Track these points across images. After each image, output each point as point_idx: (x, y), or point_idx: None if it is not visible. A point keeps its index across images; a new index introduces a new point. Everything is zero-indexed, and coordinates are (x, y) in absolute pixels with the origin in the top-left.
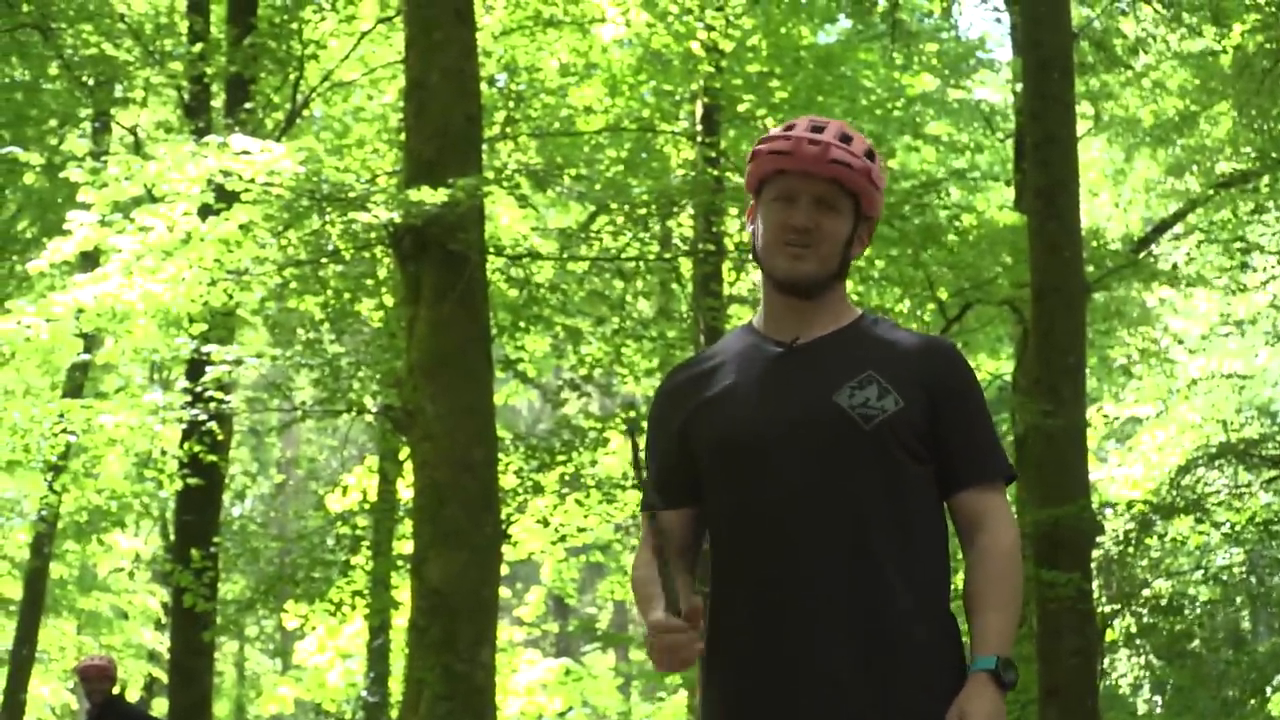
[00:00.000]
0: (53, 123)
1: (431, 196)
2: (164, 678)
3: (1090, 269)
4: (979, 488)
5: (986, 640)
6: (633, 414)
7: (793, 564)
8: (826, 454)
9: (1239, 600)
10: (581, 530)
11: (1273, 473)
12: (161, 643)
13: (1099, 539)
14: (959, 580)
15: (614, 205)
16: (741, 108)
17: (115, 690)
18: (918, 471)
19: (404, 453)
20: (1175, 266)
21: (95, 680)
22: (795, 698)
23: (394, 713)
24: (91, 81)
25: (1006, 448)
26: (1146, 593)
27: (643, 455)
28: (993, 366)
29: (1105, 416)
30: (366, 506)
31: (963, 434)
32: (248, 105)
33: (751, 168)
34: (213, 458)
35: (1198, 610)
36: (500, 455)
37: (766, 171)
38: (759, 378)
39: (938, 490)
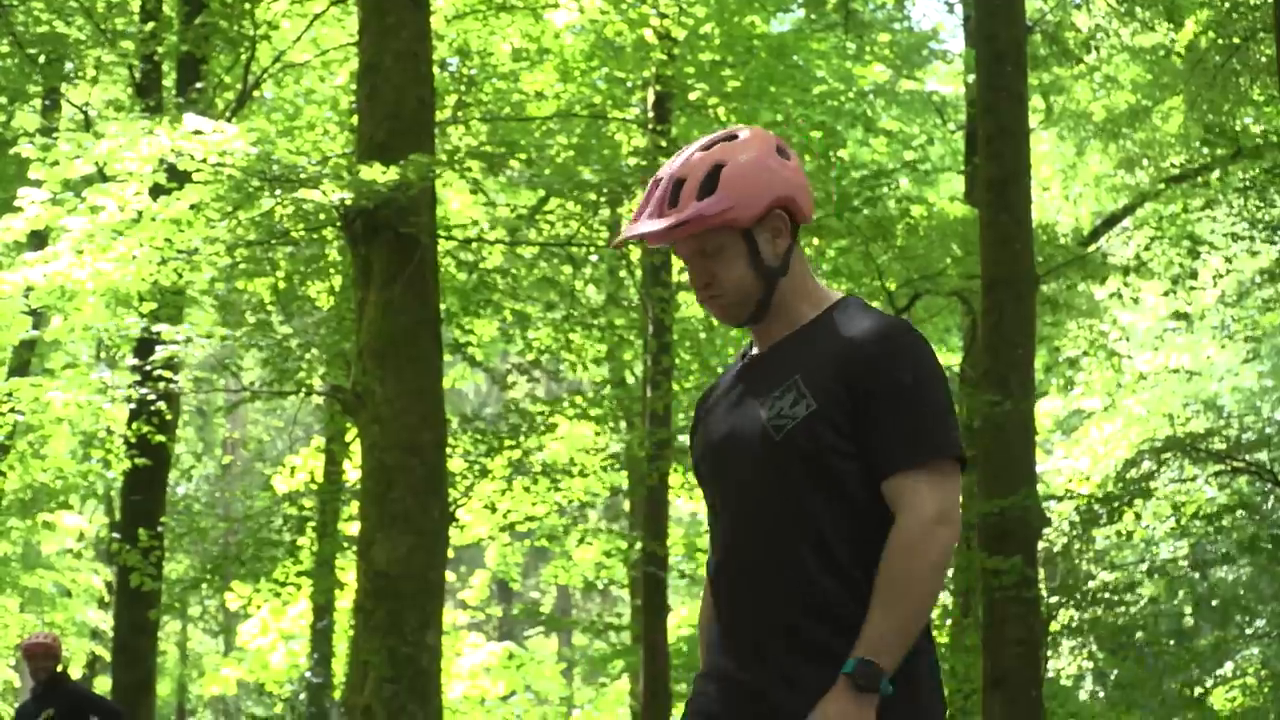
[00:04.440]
0: (2, 99)
1: (383, 175)
2: (107, 656)
3: (1040, 261)
4: (897, 475)
5: (860, 641)
6: (580, 399)
7: (733, 569)
8: (750, 467)
9: (1181, 594)
10: (531, 519)
11: (1218, 467)
12: (105, 621)
13: (1045, 531)
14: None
15: (564, 191)
16: (693, 96)
17: (59, 668)
18: (842, 470)
19: (352, 434)
20: (1128, 265)
21: (40, 658)
22: (714, 672)
23: (337, 694)
24: (42, 58)
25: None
26: (1091, 585)
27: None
28: (942, 358)
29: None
30: (313, 488)
31: (881, 425)
32: (199, 85)
33: None
34: (160, 438)
35: (1141, 603)
36: (448, 439)
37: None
38: (726, 392)
39: (871, 484)
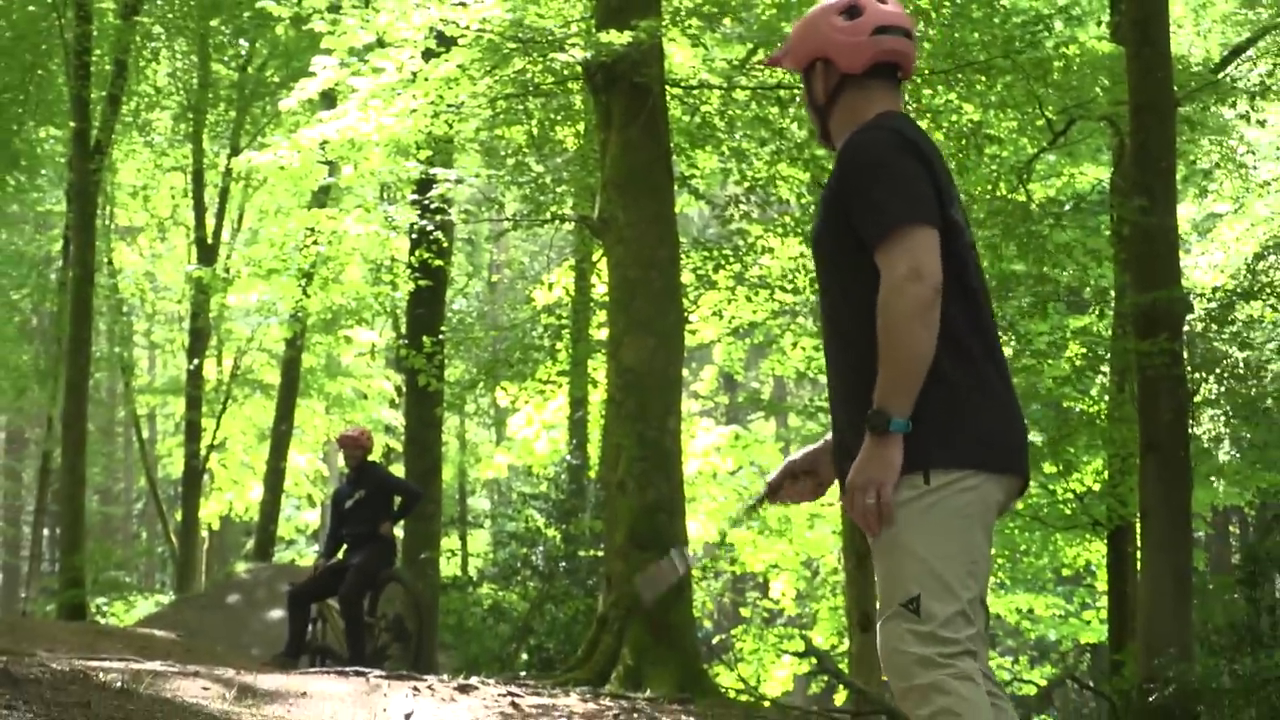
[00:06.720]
0: None
1: (619, 38)
2: (399, 448)
3: (1177, 88)
4: (875, 255)
5: (874, 396)
6: (790, 218)
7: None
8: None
9: None
10: (752, 325)
11: None
12: (396, 419)
13: (1188, 317)
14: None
15: (769, 43)
16: None
17: (368, 457)
18: (853, 264)
19: (598, 255)
20: (1254, 90)
21: (352, 447)
22: None
23: (592, 474)
24: None
25: (1105, 242)
26: (1227, 362)
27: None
28: (1094, 173)
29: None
30: (567, 301)
31: (855, 220)
32: None
33: None
34: (439, 262)
35: (1271, 377)
36: (680, 256)
37: None
38: None
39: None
